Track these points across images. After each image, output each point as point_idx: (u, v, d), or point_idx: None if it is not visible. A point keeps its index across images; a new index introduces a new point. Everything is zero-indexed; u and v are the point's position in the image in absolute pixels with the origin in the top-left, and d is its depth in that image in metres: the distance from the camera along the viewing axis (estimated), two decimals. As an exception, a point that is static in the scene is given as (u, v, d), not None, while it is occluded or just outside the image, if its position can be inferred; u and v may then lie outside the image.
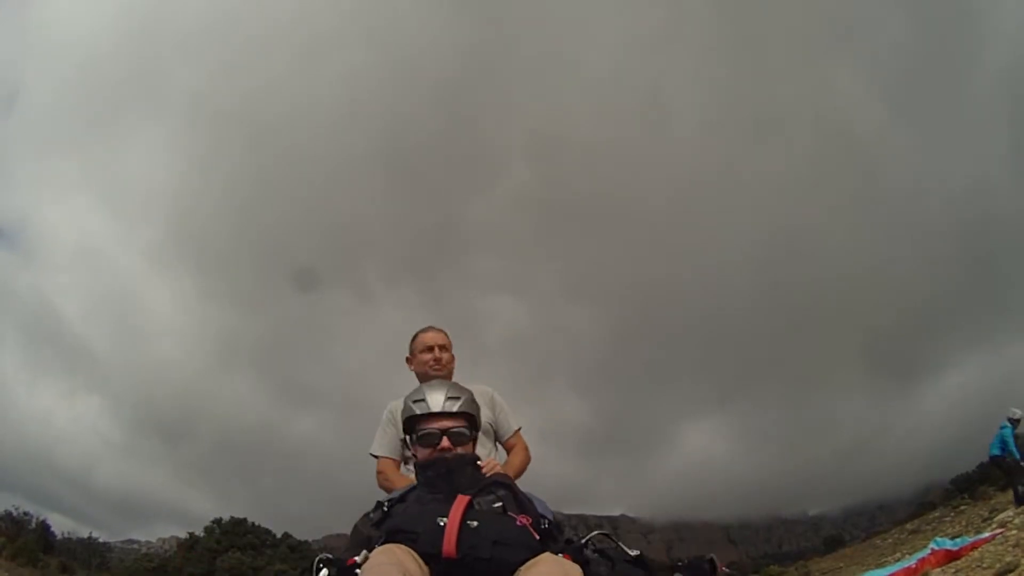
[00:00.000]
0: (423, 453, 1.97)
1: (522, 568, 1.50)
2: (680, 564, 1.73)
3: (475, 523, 1.59)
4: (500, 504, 1.74)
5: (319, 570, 1.67)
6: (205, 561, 28.95)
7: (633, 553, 1.76)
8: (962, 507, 19.45)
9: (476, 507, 1.68)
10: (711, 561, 1.72)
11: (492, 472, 2.07)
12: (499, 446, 2.90)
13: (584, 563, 1.67)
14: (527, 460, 2.80)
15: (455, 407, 1.97)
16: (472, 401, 2.06)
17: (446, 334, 3.03)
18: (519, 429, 2.92)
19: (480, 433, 2.16)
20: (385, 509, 1.80)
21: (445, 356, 2.94)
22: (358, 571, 1.55)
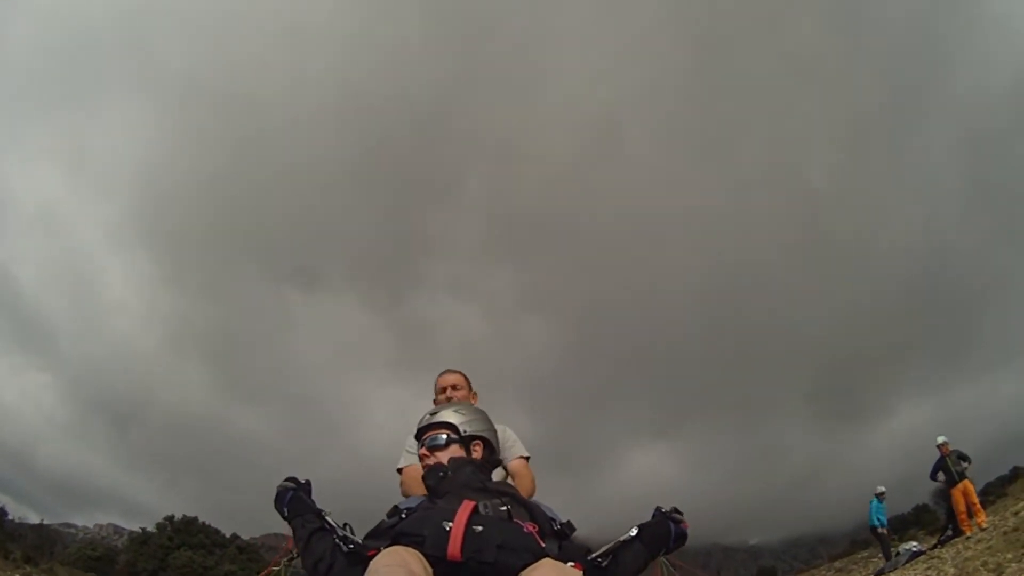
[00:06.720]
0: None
1: (523, 572, 1.53)
2: (641, 525, 1.86)
3: (480, 527, 1.60)
4: (506, 508, 1.75)
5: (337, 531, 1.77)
6: (157, 558, 29.15)
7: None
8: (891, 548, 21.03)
9: (482, 512, 1.70)
10: (671, 513, 1.87)
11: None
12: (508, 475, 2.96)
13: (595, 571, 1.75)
14: (531, 491, 2.71)
15: (432, 419, 2.18)
16: (454, 412, 2.20)
17: (464, 375, 3.26)
18: (525, 458, 2.95)
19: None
20: (403, 516, 1.78)
21: (458, 395, 3.14)
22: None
